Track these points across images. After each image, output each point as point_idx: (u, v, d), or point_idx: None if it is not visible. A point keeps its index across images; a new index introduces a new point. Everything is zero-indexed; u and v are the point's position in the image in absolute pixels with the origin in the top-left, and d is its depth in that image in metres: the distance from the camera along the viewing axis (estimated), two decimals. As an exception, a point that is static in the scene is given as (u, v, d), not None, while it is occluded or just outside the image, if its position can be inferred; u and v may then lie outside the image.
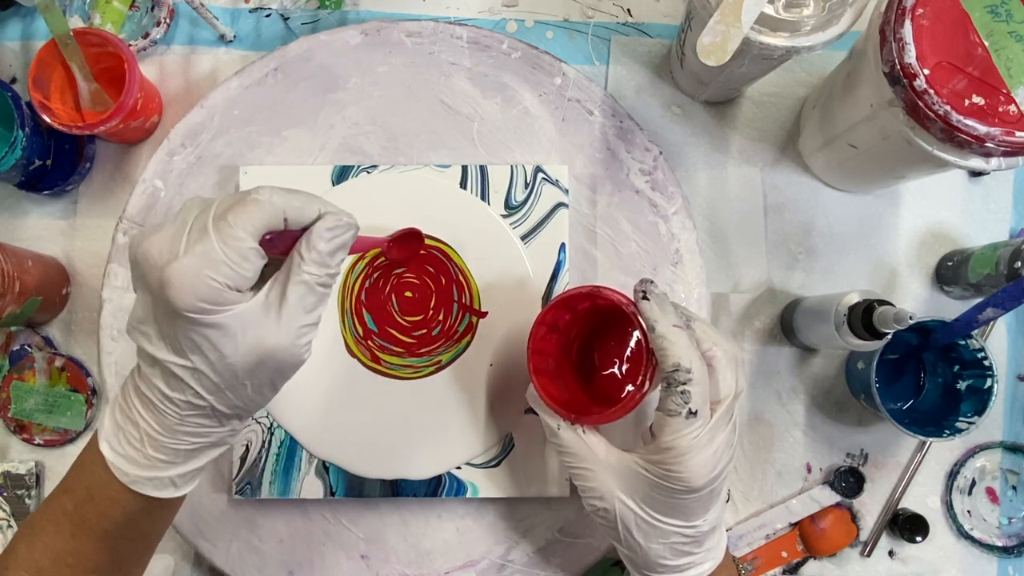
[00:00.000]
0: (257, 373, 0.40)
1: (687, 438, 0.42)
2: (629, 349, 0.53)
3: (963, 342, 0.57)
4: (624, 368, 0.53)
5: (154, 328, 0.39)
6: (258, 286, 0.40)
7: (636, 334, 0.50)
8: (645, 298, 0.44)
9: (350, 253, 0.45)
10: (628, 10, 0.66)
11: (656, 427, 0.43)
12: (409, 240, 0.57)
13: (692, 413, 0.41)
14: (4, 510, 0.62)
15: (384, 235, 0.55)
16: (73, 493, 0.42)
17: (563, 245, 0.59)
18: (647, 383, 0.45)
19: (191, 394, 0.39)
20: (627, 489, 0.45)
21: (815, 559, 0.63)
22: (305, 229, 0.40)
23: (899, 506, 0.63)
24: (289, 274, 0.40)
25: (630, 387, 0.46)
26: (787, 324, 0.63)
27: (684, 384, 0.41)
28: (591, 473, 0.46)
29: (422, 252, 0.59)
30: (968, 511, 0.63)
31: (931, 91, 0.44)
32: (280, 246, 0.40)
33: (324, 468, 0.58)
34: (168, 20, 0.64)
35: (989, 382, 0.56)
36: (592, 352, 0.54)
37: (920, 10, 0.45)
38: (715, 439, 0.42)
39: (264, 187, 0.39)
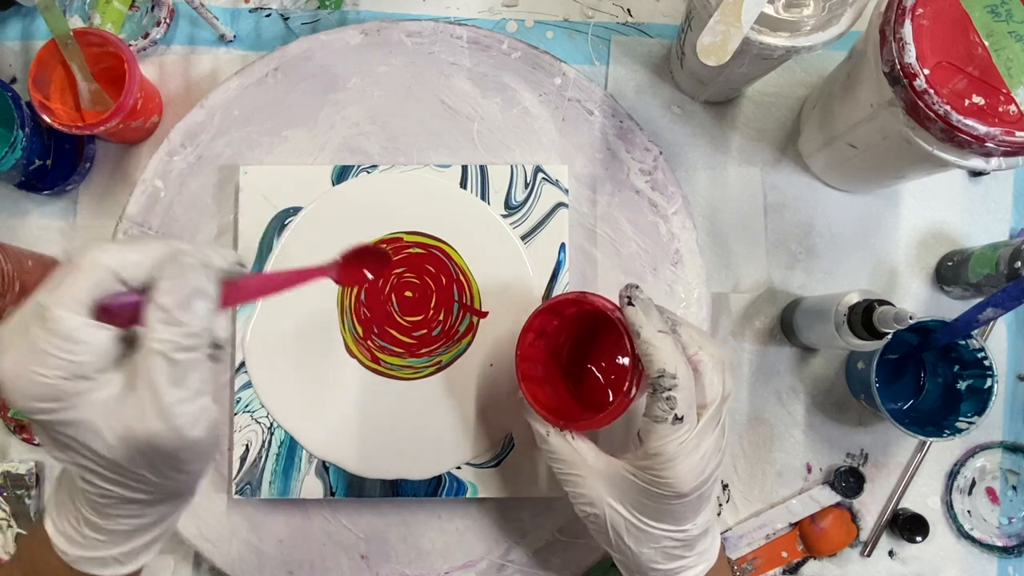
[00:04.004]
0: (145, 463, 0.34)
1: (674, 444, 0.41)
2: (617, 354, 0.53)
3: (963, 342, 0.57)
4: (612, 373, 0.53)
5: (34, 424, 0.34)
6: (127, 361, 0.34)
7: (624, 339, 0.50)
8: (630, 304, 0.43)
9: (278, 290, 0.39)
10: (628, 10, 0.66)
11: (643, 433, 0.43)
12: (367, 256, 0.49)
13: (678, 419, 0.41)
14: (4, 510, 0.62)
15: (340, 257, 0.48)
16: (21, 564, 0.40)
17: (563, 245, 0.59)
18: (634, 389, 0.45)
19: (95, 486, 0.35)
20: (617, 495, 0.44)
21: (815, 559, 0.63)
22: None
23: (899, 506, 0.63)
24: (143, 347, 0.33)
25: (618, 394, 0.46)
26: (787, 324, 0.63)
27: (669, 390, 0.41)
28: (581, 479, 0.46)
29: (419, 252, 0.59)
30: (968, 511, 0.63)
31: (931, 91, 0.44)
32: (129, 312, 0.33)
33: (324, 468, 0.58)
34: (168, 20, 0.64)
35: (989, 382, 0.56)
36: (581, 357, 0.54)
37: (920, 10, 0.45)
38: (702, 444, 0.42)
39: (93, 245, 0.33)
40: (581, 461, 0.46)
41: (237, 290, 0.37)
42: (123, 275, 0.33)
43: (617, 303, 0.45)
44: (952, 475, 0.63)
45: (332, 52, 0.62)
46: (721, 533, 0.62)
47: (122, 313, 0.33)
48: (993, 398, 0.56)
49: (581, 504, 0.46)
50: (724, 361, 0.45)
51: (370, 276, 0.50)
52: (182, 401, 0.33)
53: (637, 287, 0.44)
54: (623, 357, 0.52)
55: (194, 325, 0.33)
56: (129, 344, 0.34)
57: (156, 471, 0.35)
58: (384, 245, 0.59)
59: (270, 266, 0.58)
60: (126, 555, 0.38)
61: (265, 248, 0.59)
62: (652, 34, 0.66)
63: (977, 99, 0.44)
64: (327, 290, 0.58)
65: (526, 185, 0.59)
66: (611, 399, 0.50)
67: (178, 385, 0.33)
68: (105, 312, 0.33)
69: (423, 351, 0.58)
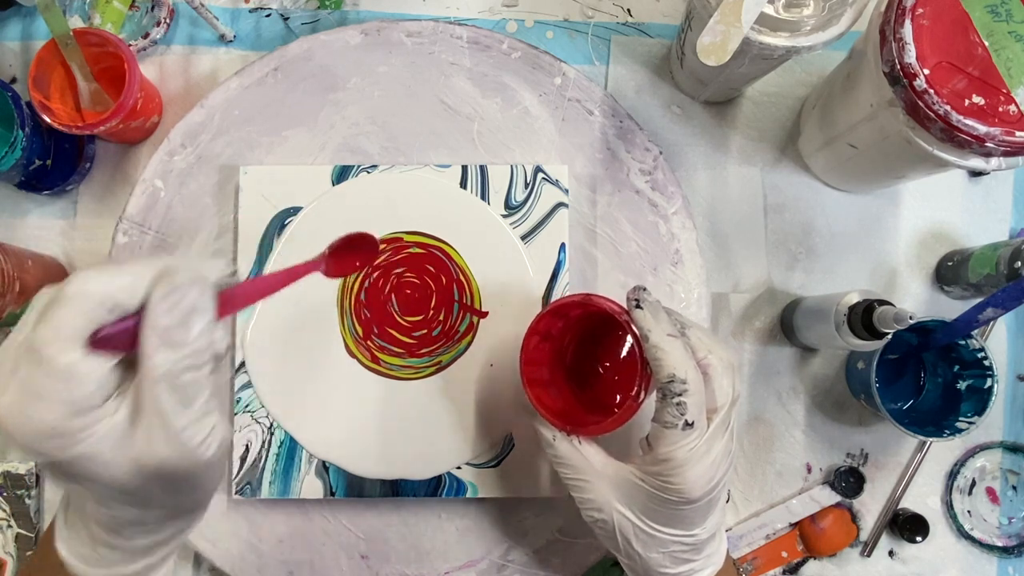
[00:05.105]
0: (159, 487, 0.33)
1: (684, 449, 0.41)
2: (624, 354, 0.52)
3: (963, 342, 0.57)
4: (617, 373, 0.52)
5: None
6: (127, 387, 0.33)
7: (630, 339, 0.50)
8: (638, 307, 0.43)
9: (271, 292, 0.38)
10: (628, 10, 0.66)
11: (652, 438, 0.42)
12: (355, 246, 0.48)
13: (688, 425, 0.41)
14: (4, 510, 0.62)
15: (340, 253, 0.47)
16: None
17: (563, 245, 0.59)
18: (642, 393, 0.44)
19: (109, 509, 0.35)
20: (625, 500, 0.44)
21: (815, 559, 0.63)
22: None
23: (899, 506, 0.63)
24: (144, 372, 0.31)
25: (625, 396, 0.45)
26: (787, 324, 0.63)
27: (680, 395, 0.41)
28: (588, 484, 0.45)
29: (419, 252, 0.59)
30: (968, 511, 0.63)
31: (931, 91, 0.44)
32: (126, 338, 0.32)
33: (324, 468, 0.58)
34: (168, 20, 0.64)
35: (989, 382, 0.56)
36: (586, 357, 0.54)
37: (920, 10, 0.45)
38: (712, 449, 0.42)
39: (80, 273, 0.31)
40: (588, 466, 0.45)
41: (232, 299, 0.35)
42: (114, 301, 0.31)
43: (622, 304, 0.45)
44: (952, 475, 0.63)
45: (332, 52, 0.62)
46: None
47: (119, 340, 0.31)
48: (993, 398, 0.56)
49: (588, 509, 0.46)
50: (733, 363, 0.44)
51: (358, 265, 0.49)
52: (191, 423, 0.32)
53: (645, 289, 0.43)
54: (628, 358, 0.52)
55: (195, 344, 0.32)
56: (130, 367, 0.33)
57: (170, 493, 0.35)
58: (384, 244, 0.59)
59: (270, 266, 0.58)
60: (143, 570, 0.38)
61: (265, 248, 0.59)
62: (652, 34, 0.66)
63: (977, 99, 0.44)
64: (327, 290, 0.58)
65: (526, 185, 0.59)
66: (617, 400, 0.50)
67: (186, 407, 0.32)
68: (100, 341, 0.31)
69: (423, 351, 0.58)
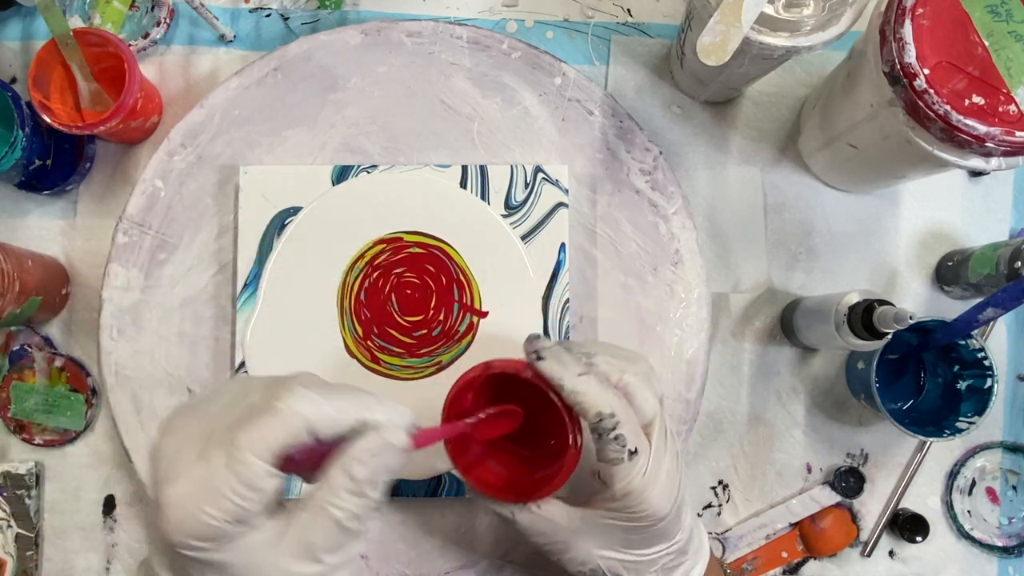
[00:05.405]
0: None
1: (638, 477, 0.41)
2: (541, 394, 0.47)
3: (963, 342, 0.57)
4: (548, 414, 0.47)
5: (157, 552, 0.33)
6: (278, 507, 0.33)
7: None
8: (540, 358, 0.42)
9: (419, 447, 0.37)
10: (628, 10, 0.66)
11: (605, 477, 0.42)
12: (500, 418, 0.48)
13: (633, 453, 0.41)
14: (4, 510, 0.62)
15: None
16: None
17: (563, 245, 0.59)
18: (578, 437, 0.44)
19: None
20: (603, 543, 0.44)
21: (815, 559, 0.63)
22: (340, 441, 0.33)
23: (899, 506, 0.63)
24: (315, 504, 0.33)
25: (562, 441, 0.44)
26: (787, 324, 0.63)
27: (614, 429, 0.41)
28: (564, 544, 0.45)
29: (419, 252, 0.59)
30: (968, 511, 0.63)
31: (931, 91, 0.44)
32: (306, 462, 0.33)
33: (324, 468, 0.58)
34: (168, 20, 0.64)
35: (989, 382, 0.56)
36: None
37: (920, 10, 0.45)
38: (663, 464, 0.42)
39: (295, 391, 0.32)
40: (556, 527, 0.45)
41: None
42: (317, 429, 0.32)
43: (527, 357, 0.43)
44: (952, 475, 0.63)
45: (332, 52, 0.62)
46: (721, 533, 0.63)
47: (303, 464, 0.32)
48: (993, 398, 0.56)
49: (575, 567, 0.45)
50: (648, 372, 0.44)
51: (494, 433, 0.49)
52: (332, 566, 0.33)
53: (539, 337, 0.43)
54: (549, 400, 0.46)
55: (372, 501, 0.34)
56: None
57: None
58: (384, 244, 0.59)
59: (270, 266, 0.58)
60: None
61: (265, 248, 0.59)
62: (652, 34, 0.66)
63: (977, 99, 0.44)
64: (326, 290, 0.58)
65: (526, 185, 0.59)
66: (553, 442, 0.48)
67: (335, 552, 0.33)
68: (290, 461, 0.32)
69: (423, 351, 0.58)
